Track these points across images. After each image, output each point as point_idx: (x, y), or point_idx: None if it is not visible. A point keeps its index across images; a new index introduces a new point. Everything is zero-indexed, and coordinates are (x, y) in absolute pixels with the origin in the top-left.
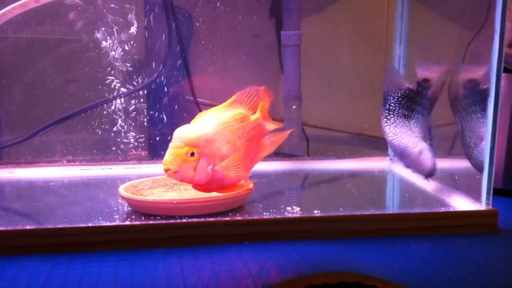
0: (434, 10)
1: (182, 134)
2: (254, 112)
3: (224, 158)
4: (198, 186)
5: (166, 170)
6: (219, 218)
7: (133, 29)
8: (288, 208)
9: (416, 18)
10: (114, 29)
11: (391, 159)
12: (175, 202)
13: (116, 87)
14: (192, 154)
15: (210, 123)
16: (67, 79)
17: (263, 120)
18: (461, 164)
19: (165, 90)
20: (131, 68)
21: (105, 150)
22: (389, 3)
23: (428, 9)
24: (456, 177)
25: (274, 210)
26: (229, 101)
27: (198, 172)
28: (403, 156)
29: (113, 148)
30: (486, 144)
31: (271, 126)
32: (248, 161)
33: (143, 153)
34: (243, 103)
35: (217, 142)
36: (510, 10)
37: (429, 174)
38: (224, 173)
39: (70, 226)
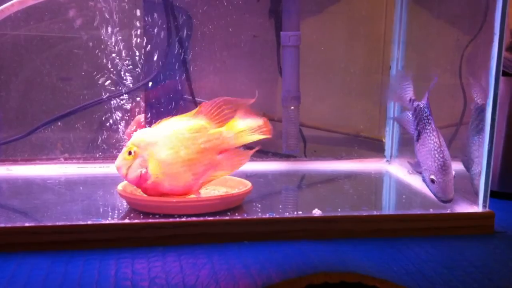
0: (432, 13)
1: (134, 134)
2: (222, 125)
3: (163, 163)
4: (142, 188)
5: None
6: (218, 217)
7: (132, 28)
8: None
9: (414, 21)
10: (113, 27)
11: (387, 160)
12: (174, 200)
13: (115, 86)
14: (130, 153)
15: (162, 128)
16: (65, 77)
17: (231, 135)
18: (458, 166)
19: (164, 89)
20: (129, 67)
21: (103, 148)
22: (387, 5)
23: (426, 12)
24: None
25: (280, 210)
26: (194, 111)
27: (130, 171)
28: (436, 169)
29: (111, 146)
30: (484, 147)
31: (243, 139)
32: (194, 174)
33: None
34: (207, 114)
35: (158, 146)
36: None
37: (449, 201)
38: (154, 179)
39: (69, 223)
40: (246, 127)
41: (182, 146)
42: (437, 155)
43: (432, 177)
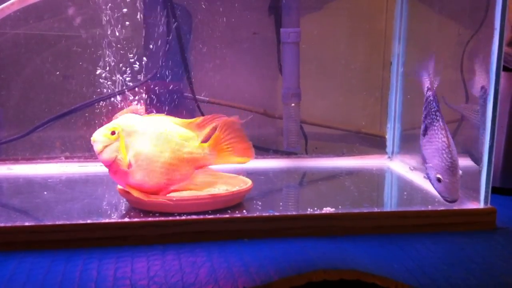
0: (433, 8)
1: (126, 115)
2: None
3: (142, 156)
4: (110, 172)
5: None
6: (218, 215)
7: (132, 25)
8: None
9: (415, 16)
10: (113, 25)
11: (389, 157)
12: (174, 199)
13: (115, 84)
14: (113, 133)
15: (155, 123)
16: (65, 75)
17: (214, 154)
18: (460, 162)
19: (164, 87)
20: (129, 65)
21: None
22: (388, 1)
23: (427, 7)
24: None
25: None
26: (190, 120)
27: (105, 151)
28: (443, 170)
29: None
30: (485, 142)
31: (223, 161)
32: (169, 179)
33: None
34: (201, 128)
35: (145, 138)
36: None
37: (455, 201)
38: (126, 168)
39: (69, 222)
40: (230, 148)
41: (168, 148)
42: (445, 155)
43: (439, 176)
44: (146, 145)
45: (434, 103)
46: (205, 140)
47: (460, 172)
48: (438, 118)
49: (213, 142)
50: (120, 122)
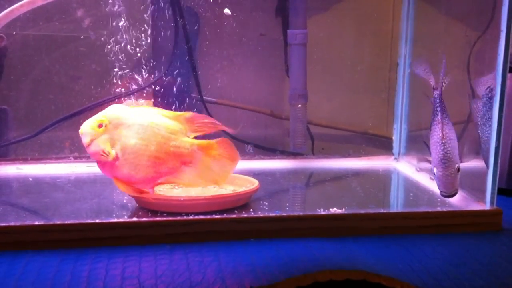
0: (440, 9)
1: (112, 106)
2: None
3: (129, 150)
4: (99, 165)
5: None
6: (225, 215)
7: (140, 27)
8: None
9: (421, 17)
10: (121, 26)
11: (395, 158)
12: (181, 199)
13: (123, 85)
14: (100, 126)
15: (141, 115)
16: (74, 76)
17: (200, 152)
18: (466, 163)
19: (172, 87)
20: (138, 66)
21: None
22: (395, 2)
23: (434, 9)
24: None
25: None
26: (180, 113)
27: (93, 144)
28: (437, 162)
29: None
30: (491, 144)
31: (209, 163)
32: (156, 172)
33: None
34: (190, 123)
35: (131, 131)
36: None
37: (449, 196)
38: (113, 161)
39: (78, 222)
40: (217, 153)
41: (154, 141)
42: (439, 148)
43: (435, 169)
44: (132, 138)
45: (438, 100)
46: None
47: (457, 166)
48: (437, 113)
49: (205, 144)
50: (107, 114)
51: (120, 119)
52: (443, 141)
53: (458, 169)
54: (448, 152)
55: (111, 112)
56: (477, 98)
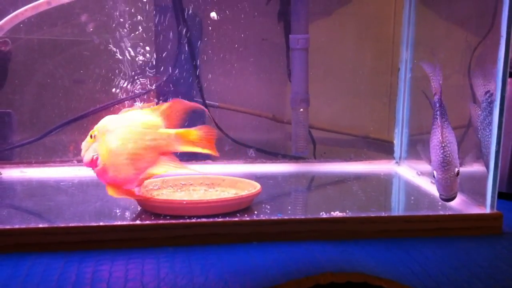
0: (441, 14)
1: (104, 118)
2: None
3: (111, 153)
4: (96, 173)
5: None
6: (227, 218)
7: (143, 31)
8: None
9: (422, 22)
10: (124, 31)
11: (397, 162)
12: (184, 202)
13: (126, 89)
14: (92, 137)
15: (124, 118)
16: (78, 80)
17: (178, 140)
18: (466, 167)
19: (174, 91)
20: (141, 70)
21: None
22: (396, 7)
23: (435, 13)
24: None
25: (289, 211)
26: (155, 107)
27: (86, 153)
28: (437, 165)
29: None
30: (492, 148)
31: (187, 148)
32: (136, 169)
33: None
34: (168, 114)
35: (113, 135)
36: None
37: (449, 199)
38: (102, 166)
39: (81, 224)
40: (196, 137)
41: (131, 139)
42: (438, 151)
43: (434, 172)
44: (114, 141)
45: (437, 104)
46: (173, 126)
47: (457, 169)
48: (437, 116)
49: (183, 132)
50: (98, 125)
51: (106, 126)
52: (443, 145)
53: (458, 173)
54: (448, 155)
55: (101, 122)
56: (477, 102)
